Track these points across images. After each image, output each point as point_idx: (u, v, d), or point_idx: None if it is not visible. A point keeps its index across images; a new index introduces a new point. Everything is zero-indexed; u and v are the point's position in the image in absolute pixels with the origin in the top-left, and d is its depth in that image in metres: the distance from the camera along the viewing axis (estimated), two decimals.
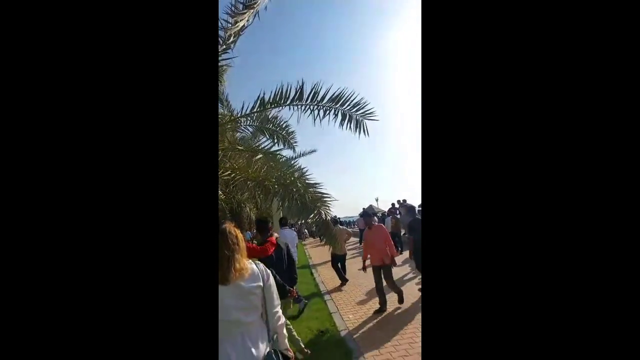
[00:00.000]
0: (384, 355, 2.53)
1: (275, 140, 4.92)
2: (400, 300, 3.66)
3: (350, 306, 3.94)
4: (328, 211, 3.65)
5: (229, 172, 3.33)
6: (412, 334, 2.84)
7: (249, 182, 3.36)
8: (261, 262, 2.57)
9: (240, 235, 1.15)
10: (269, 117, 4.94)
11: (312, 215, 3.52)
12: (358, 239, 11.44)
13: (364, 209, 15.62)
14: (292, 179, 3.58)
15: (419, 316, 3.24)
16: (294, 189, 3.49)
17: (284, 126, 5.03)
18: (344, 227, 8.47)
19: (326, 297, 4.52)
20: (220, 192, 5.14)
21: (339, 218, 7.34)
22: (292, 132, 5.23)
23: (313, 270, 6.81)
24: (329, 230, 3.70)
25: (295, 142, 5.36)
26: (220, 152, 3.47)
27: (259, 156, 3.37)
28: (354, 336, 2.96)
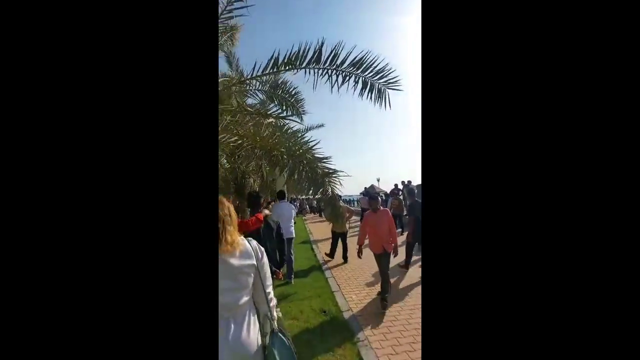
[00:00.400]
0: (382, 330, 2.43)
1: (284, 108, 4.60)
2: (384, 297, 3.05)
3: (352, 286, 3.85)
4: (336, 187, 3.44)
5: (236, 138, 3.06)
6: (411, 311, 2.73)
7: (256, 150, 3.11)
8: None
9: (232, 207, 1.07)
10: (279, 82, 4.59)
11: (321, 190, 3.31)
12: (359, 218, 11.45)
13: (365, 188, 15.55)
14: (302, 150, 3.32)
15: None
16: (304, 161, 3.24)
17: (293, 93, 4.70)
18: (346, 205, 8.34)
19: (327, 274, 4.44)
20: (224, 161, 4.90)
21: (340, 196, 7.18)
22: (302, 99, 4.90)
23: (314, 246, 6.75)
24: (335, 207, 3.50)
25: (304, 111, 5.05)
26: (227, 115, 3.19)
27: (270, 120, 3.08)
28: (358, 317, 2.87)
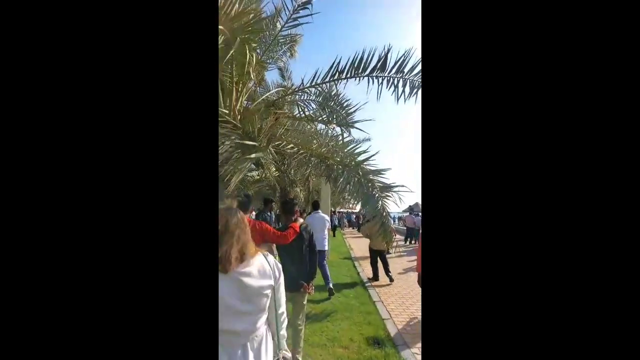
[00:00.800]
0: None
1: (335, 119, 4.48)
2: None
3: (405, 315, 3.45)
4: (388, 203, 3.15)
5: (292, 145, 2.98)
6: None
7: (312, 159, 2.99)
8: (278, 249, 2.24)
9: (245, 220, 0.97)
10: (332, 94, 4.51)
11: (374, 204, 3.04)
12: (403, 237, 10.79)
13: (410, 206, 14.72)
14: (356, 161, 3.13)
15: None
16: (360, 172, 3.04)
17: (344, 105, 4.57)
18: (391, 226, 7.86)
19: (374, 296, 4.08)
20: (274, 169, 4.92)
21: (389, 212, 6.78)
22: (353, 112, 4.73)
23: (356, 264, 6.40)
24: (385, 225, 3.19)
25: (353, 123, 4.89)
26: (284, 123, 3.14)
27: (332, 126, 2.96)
28: (417, 356, 2.49)
